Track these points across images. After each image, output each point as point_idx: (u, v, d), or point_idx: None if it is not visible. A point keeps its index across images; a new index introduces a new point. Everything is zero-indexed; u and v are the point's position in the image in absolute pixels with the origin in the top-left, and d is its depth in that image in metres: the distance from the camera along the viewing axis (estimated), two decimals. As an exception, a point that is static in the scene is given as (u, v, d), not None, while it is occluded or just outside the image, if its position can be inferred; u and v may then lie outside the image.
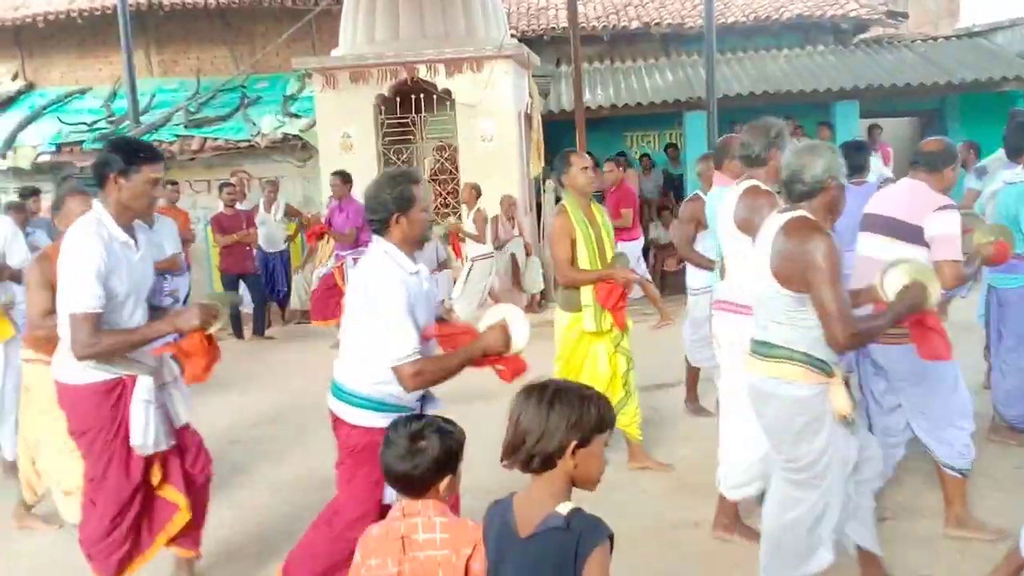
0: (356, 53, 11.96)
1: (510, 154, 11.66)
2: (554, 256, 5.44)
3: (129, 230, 3.83)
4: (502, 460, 2.33)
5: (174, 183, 10.88)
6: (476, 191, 10.91)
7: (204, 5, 16.42)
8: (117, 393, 3.79)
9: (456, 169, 12.01)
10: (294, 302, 12.08)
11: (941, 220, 4.25)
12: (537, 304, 11.75)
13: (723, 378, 4.90)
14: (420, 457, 2.63)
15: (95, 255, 3.61)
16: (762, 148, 4.50)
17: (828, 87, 14.01)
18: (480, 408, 5.39)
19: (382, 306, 3.45)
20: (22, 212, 7.75)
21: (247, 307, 11.07)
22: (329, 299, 9.81)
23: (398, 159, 12.03)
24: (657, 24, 16.51)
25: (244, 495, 5.79)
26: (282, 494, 5.78)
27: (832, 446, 3.56)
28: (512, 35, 13.70)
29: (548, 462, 2.26)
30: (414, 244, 3.64)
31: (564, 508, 2.25)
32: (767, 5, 16.80)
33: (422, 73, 11.65)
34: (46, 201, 9.59)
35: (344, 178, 10.12)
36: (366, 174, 11.72)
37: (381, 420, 3.33)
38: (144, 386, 3.81)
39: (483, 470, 3.75)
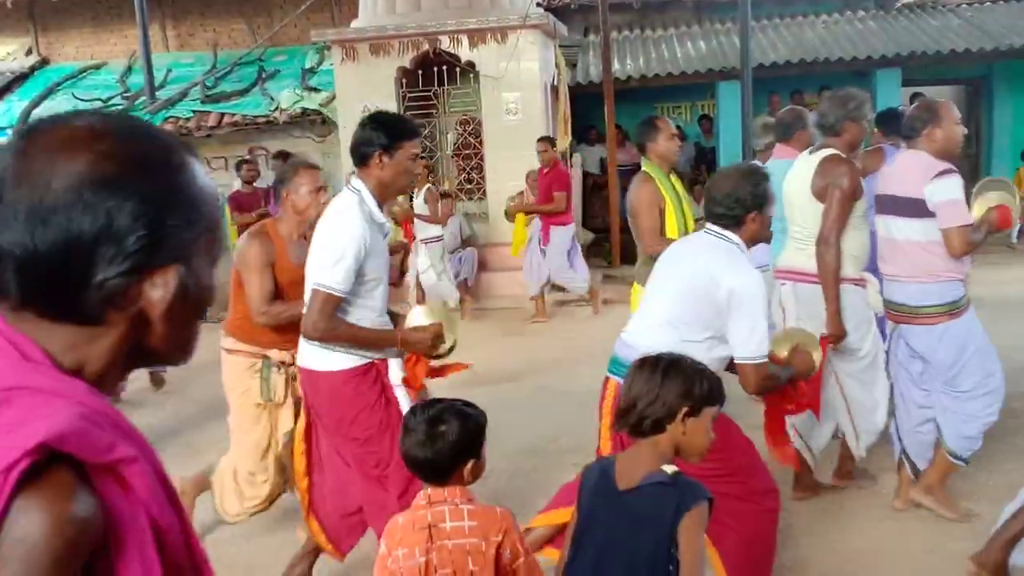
0: (376, 24, 11.81)
1: (536, 127, 11.46)
2: (640, 226, 5.18)
3: (383, 211, 3.80)
4: (613, 426, 2.56)
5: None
6: (427, 168, 10.56)
7: (221, -23, 16.38)
8: (373, 375, 3.73)
9: (480, 144, 11.87)
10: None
11: (940, 186, 4.24)
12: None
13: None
14: (440, 442, 2.57)
15: (359, 236, 3.54)
16: (836, 119, 4.64)
17: (868, 55, 13.81)
18: (508, 388, 5.30)
19: (330, 236, 3.57)
20: None
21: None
22: None
23: (420, 133, 11.87)
24: (689, -10, 16.31)
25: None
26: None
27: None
28: (538, 4, 13.50)
29: (658, 426, 2.42)
30: (388, 192, 3.72)
31: (669, 469, 2.40)
32: (804, -31, 16.54)
33: (444, 44, 11.49)
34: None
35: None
36: (387, 150, 11.68)
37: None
38: (397, 368, 3.78)
39: (510, 450, 3.67)
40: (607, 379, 3.63)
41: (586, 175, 14.03)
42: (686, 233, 5.24)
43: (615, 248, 12.80)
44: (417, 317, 3.88)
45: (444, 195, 10.66)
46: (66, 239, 1.02)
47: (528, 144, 10.54)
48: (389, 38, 11.59)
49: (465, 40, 11.45)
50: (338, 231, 3.57)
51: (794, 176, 4.75)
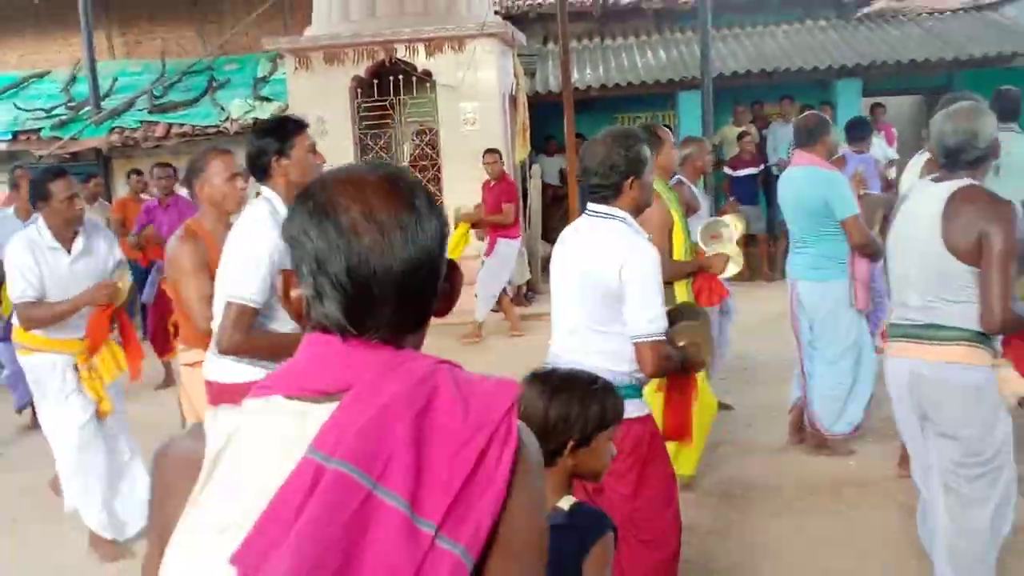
0: (330, 32, 11.83)
1: (494, 138, 11.54)
2: (658, 248, 5.12)
3: None
4: None
5: (139, 172, 10.75)
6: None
7: (169, -17, 16.32)
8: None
9: (437, 154, 11.91)
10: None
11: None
12: (524, 296, 11.68)
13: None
14: None
15: (272, 245, 3.45)
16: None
17: (829, 64, 13.98)
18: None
19: (244, 246, 3.50)
20: None
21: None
22: None
23: (375, 144, 11.93)
24: (649, 0, 16.43)
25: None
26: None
27: (1008, 434, 3.47)
28: (496, 12, 13.62)
29: (548, 459, 2.19)
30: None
31: (565, 503, 2.25)
32: (765, -22, 16.76)
33: (400, 53, 11.54)
34: (1, 192, 9.47)
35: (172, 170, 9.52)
36: (341, 157, 11.63)
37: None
38: None
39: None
40: None
41: (545, 186, 14.09)
42: (688, 252, 5.30)
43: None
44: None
45: None
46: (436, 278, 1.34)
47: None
48: (343, 47, 11.61)
49: (422, 49, 11.51)
50: (250, 241, 3.52)
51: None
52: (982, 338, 3.38)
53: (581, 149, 3.45)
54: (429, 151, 12.07)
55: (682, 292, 5.04)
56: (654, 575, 3.32)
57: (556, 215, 13.84)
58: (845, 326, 5.61)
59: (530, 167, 13.41)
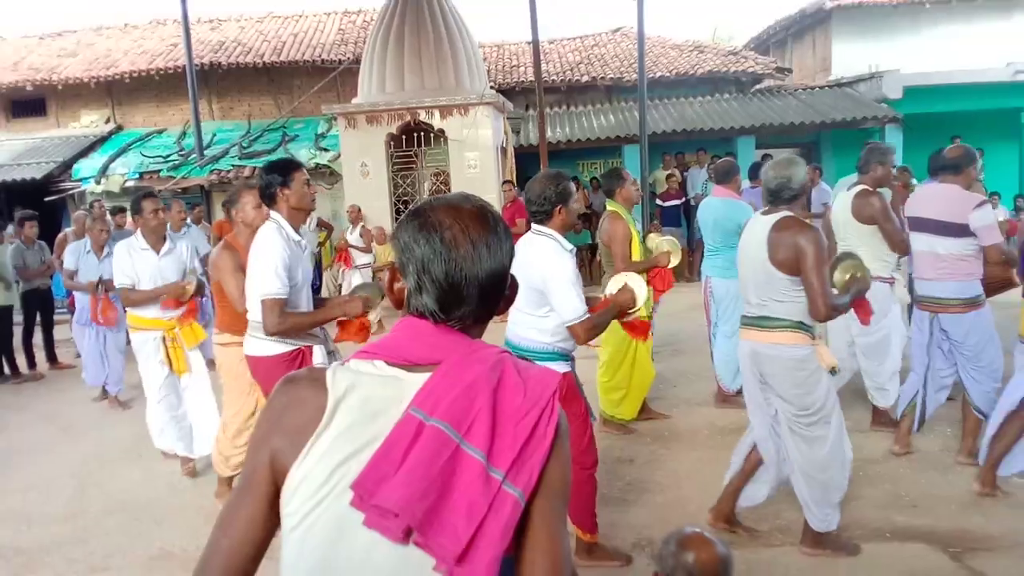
0: (371, 101, 11.76)
1: (489, 178, 11.50)
2: (616, 252, 5.14)
3: (298, 232, 3.75)
4: None
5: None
6: (359, 210, 10.51)
7: (253, 65, 16.22)
8: (299, 360, 3.73)
9: (449, 190, 11.80)
10: (324, 294, 11.88)
11: (981, 214, 4.22)
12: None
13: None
14: None
15: (282, 250, 3.53)
16: (866, 162, 4.85)
17: (732, 126, 13.97)
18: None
19: (265, 255, 3.54)
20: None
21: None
22: None
23: (404, 183, 11.86)
24: (602, 78, 16.40)
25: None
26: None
27: (830, 390, 3.46)
28: (491, 86, 13.56)
29: None
30: (298, 215, 3.68)
31: None
32: (685, 63, 16.73)
33: (422, 116, 11.47)
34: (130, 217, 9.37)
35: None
36: (380, 195, 11.62)
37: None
38: (320, 352, 3.77)
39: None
40: None
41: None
42: (643, 255, 5.36)
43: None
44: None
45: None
46: (505, 285, 1.33)
47: (485, 191, 10.60)
48: (381, 111, 11.54)
49: (437, 113, 11.45)
50: (266, 251, 3.54)
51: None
52: (801, 325, 3.38)
53: (526, 186, 3.49)
54: (443, 188, 12.00)
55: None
56: (579, 483, 3.42)
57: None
58: (741, 311, 5.57)
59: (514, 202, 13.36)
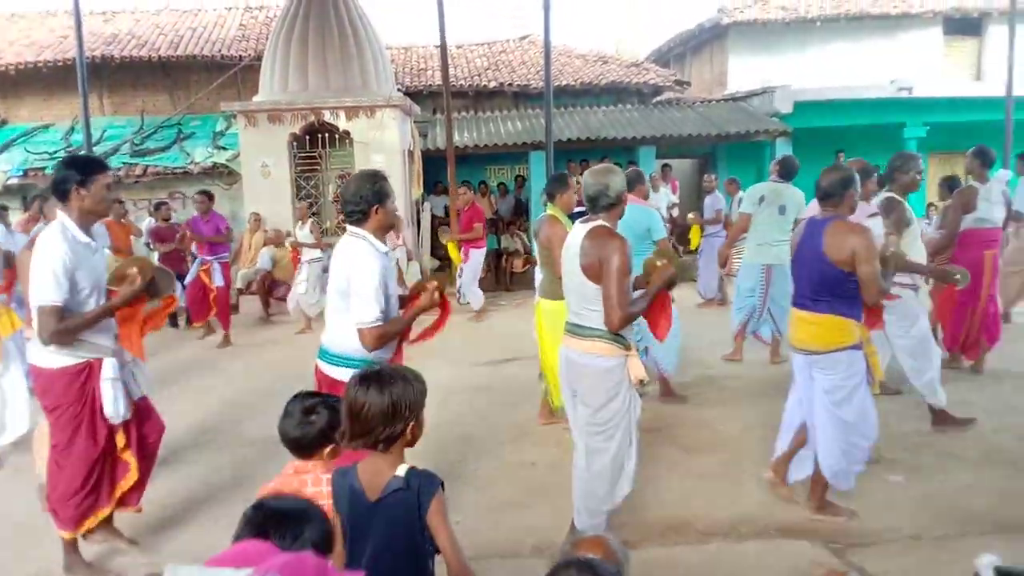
0: (273, 99, 11.44)
1: (396, 181, 11.32)
2: (556, 257, 4.92)
3: (89, 233, 3.47)
4: (346, 443, 2.12)
5: (121, 202, 10.14)
6: (309, 207, 10.36)
7: (148, 59, 15.53)
8: (85, 374, 3.45)
9: (354, 192, 11.60)
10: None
11: (874, 222, 4.49)
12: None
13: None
14: (310, 427, 2.45)
15: (63, 255, 3.27)
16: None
17: (634, 135, 14.26)
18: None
19: (41, 260, 3.28)
20: None
21: (183, 301, 10.40)
22: (203, 301, 9.09)
23: (307, 184, 11.58)
24: (509, 85, 16.49)
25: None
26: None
27: (629, 408, 3.45)
28: (398, 89, 13.42)
29: (393, 441, 2.10)
30: (90, 218, 3.46)
31: (402, 470, 2.10)
32: (590, 73, 17.01)
33: (326, 117, 11.24)
34: (14, 216, 8.79)
35: (209, 196, 9.41)
36: (281, 196, 11.31)
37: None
38: (109, 366, 3.49)
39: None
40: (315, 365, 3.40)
41: (434, 217, 13.97)
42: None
43: (455, 271, 12.78)
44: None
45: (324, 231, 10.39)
46: None
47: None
48: (282, 110, 11.24)
49: (343, 114, 11.24)
50: (43, 256, 3.29)
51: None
52: (615, 336, 3.35)
53: (340, 185, 3.36)
54: (347, 190, 11.76)
55: None
56: None
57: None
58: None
59: (422, 203, 13.27)
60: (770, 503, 4.16)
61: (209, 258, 9.10)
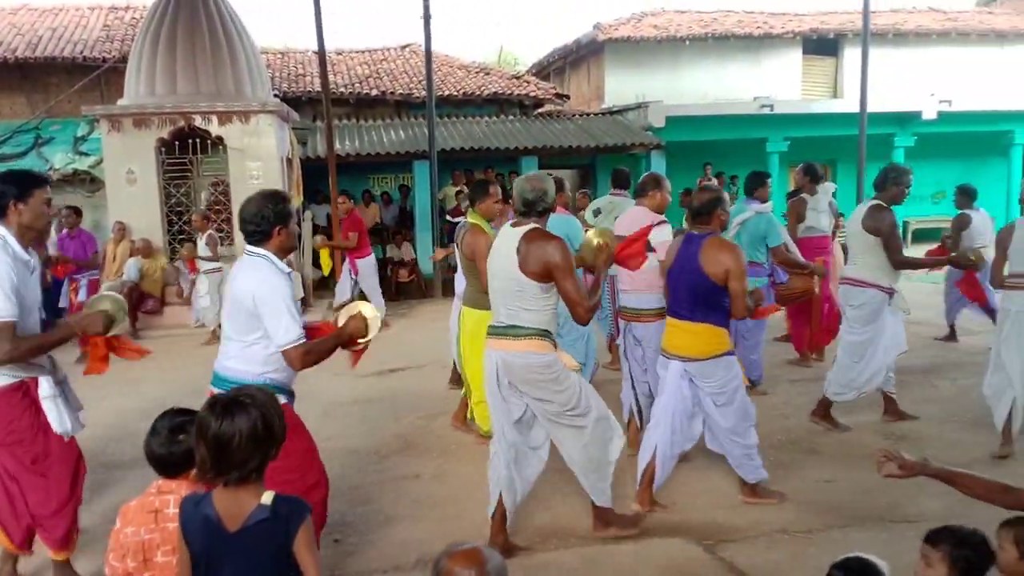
0: (139, 103, 10.79)
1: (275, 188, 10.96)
2: (483, 270, 4.86)
3: (26, 251, 3.27)
4: (212, 480, 1.96)
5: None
6: (206, 218, 10.11)
7: (4, 60, 14.42)
8: (23, 392, 3.26)
9: (229, 201, 11.08)
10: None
11: (661, 231, 4.63)
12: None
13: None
14: (177, 446, 2.33)
15: (9, 269, 3.11)
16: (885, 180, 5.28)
17: (516, 146, 14.43)
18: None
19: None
20: None
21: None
22: None
23: (176, 192, 11.01)
24: (391, 93, 16.30)
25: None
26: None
27: (578, 383, 3.62)
28: (275, 95, 13.00)
29: (260, 471, 1.98)
30: (29, 233, 3.27)
31: (267, 498, 1.98)
32: (472, 84, 17.07)
33: (197, 122, 10.70)
34: None
35: (77, 211, 8.97)
36: (149, 204, 10.70)
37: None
38: (46, 384, 3.29)
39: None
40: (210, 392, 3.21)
41: (316, 226, 13.63)
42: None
43: (337, 282, 12.50)
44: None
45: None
46: None
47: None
48: (149, 115, 10.62)
49: (215, 119, 10.74)
50: None
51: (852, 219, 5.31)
52: (545, 333, 3.53)
53: (241, 204, 3.22)
54: (223, 199, 11.27)
55: None
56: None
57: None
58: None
59: (303, 212, 12.90)
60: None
61: (78, 276, 8.77)
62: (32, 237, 3.32)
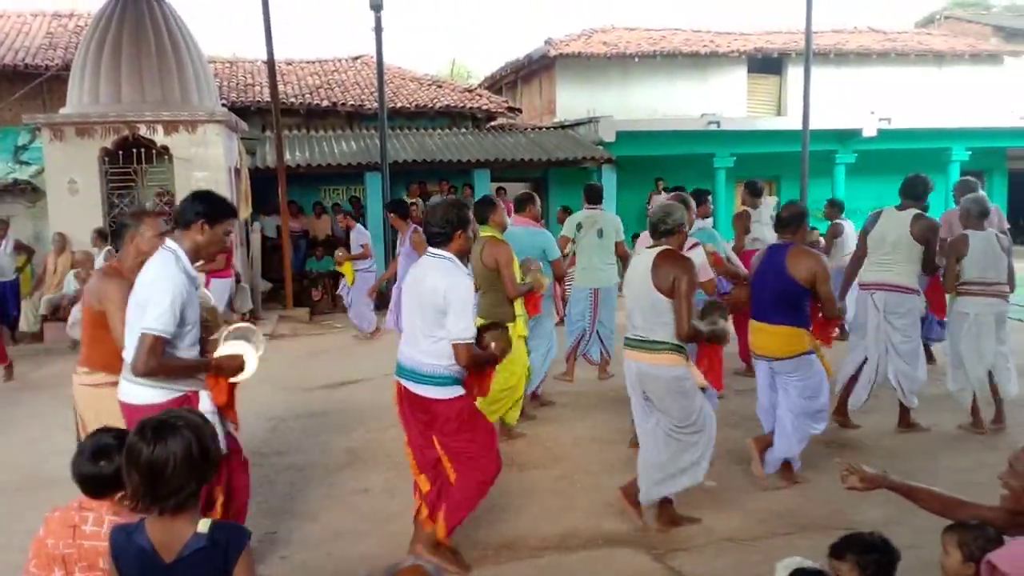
0: (82, 112, 10.52)
1: (222, 200, 10.75)
2: (506, 274, 5.11)
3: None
4: (133, 507, 1.87)
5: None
6: (102, 236, 9.75)
7: (-63, 63, 13.91)
8: (187, 405, 3.11)
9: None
10: (23, 325, 10.31)
11: (695, 252, 4.80)
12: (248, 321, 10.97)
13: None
14: (100, 469, 2.26)
15: (179, 287, 3.09)
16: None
17: (468, 159, 14.40)
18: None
19: (159, 290, 3.14)
20: None
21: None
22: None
23: (120, 203, 10.73)
24: (343, 104, 16.18)
25: None
26: None
27: (702, 401, 3.95)
28: (223, 104, 12.79)
29: (195, 497, 1.89)
30: (200, 254, 3.28)
31: (204, 526, 1.88)
32: (424, 96, 17.05)
33: (142, 131, 10.46)
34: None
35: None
36: (92, 215, 10.41)
37: None
38: (206, 399, 3.26)
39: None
40: (396, 382, 3.64)
41: (265, 238, 13.42)
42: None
43: (288, 294, 12.35)
44: (229, 347, 3.39)
45: None
46: None
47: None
48: (93, 123, 10.36)
49: (160, 128, 10.52)
50: (160, 283, 3.07)
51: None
52: (679, 347, 3.86)
53: (426, 209, 3.62)
54: (168, 209, 11.01)
55: (520, 304, 5.34)
56: (477, 489, 3.60)
57: (274, 260, 13.18)
58: (549, 322, 6.29)
59: (252, 223, 12.70)
60: (597, 515, 4.27)
61: None
62: (199, 259, 3.29)
